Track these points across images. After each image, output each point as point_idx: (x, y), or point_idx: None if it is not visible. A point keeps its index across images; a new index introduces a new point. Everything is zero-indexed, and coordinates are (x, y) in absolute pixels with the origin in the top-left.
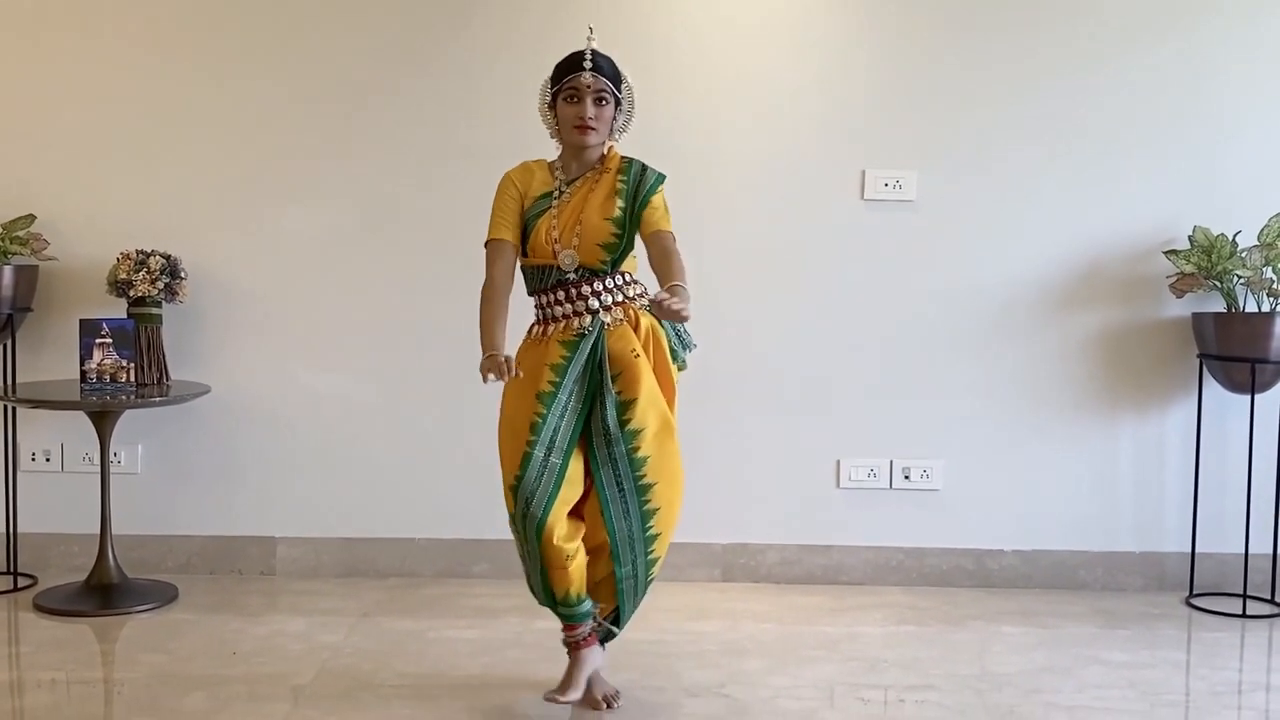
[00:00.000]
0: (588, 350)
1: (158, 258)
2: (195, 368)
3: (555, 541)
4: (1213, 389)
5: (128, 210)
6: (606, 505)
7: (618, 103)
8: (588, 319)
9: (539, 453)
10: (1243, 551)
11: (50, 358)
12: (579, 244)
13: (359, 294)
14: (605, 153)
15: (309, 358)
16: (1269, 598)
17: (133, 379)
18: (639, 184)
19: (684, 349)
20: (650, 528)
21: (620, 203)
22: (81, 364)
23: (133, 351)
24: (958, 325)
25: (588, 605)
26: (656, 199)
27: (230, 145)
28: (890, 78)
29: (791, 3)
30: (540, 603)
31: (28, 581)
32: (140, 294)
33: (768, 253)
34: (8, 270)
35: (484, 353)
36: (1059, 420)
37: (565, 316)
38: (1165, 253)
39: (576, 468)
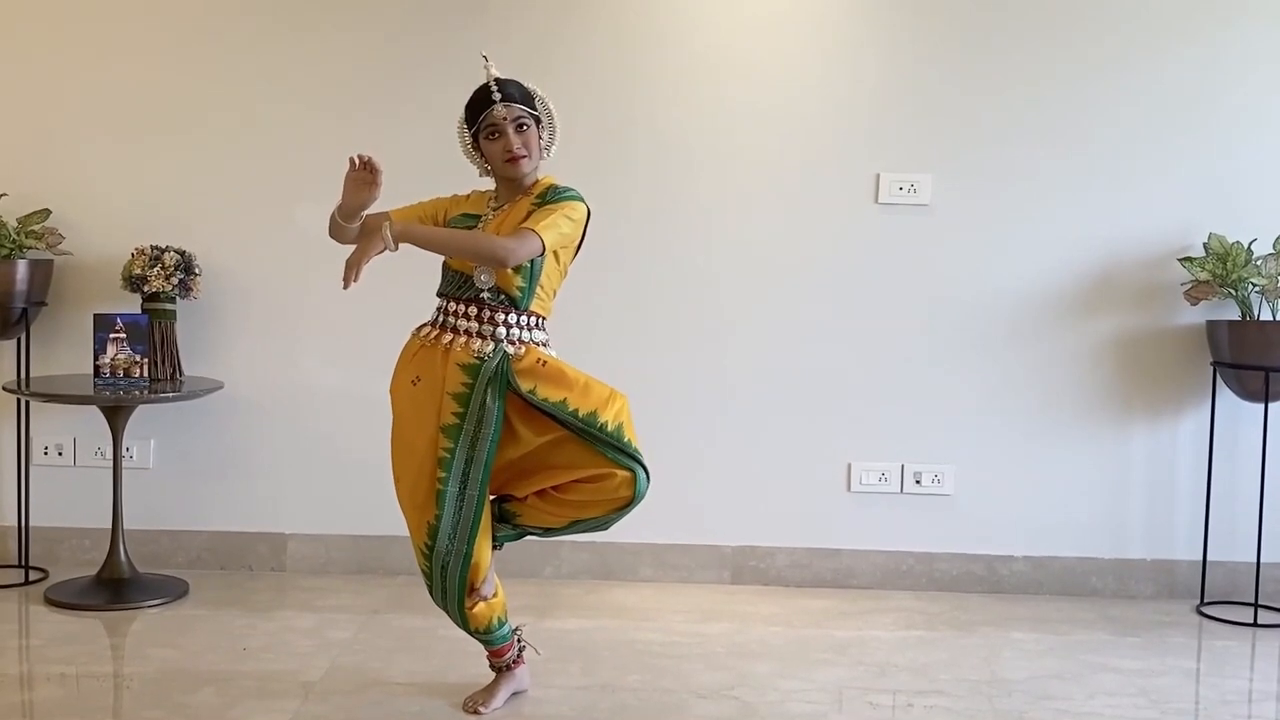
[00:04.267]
0: (491, 374)
1: (172, 253)
2: (208, 363)
3: (480, 578)
4: (1226, 397)
5: (143, 205)
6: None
7: (538, 121)
8: (490, 345)
9: (453, 489)
10: (1254, 560)
11: (64, 352)
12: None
13: (372, 291)
14: (537, 179)
15: (321, 354)
16: None
17: (146, 374)
18: (546, 200)
19: None
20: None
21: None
22: (95, 359)
23: (146, 347)
24: (970, 330)
25: (507, 628)
26: (551, 206)
27: (245, 142)
28: (905, 81)
29: (806, 4)
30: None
31: (39, 575)
32: (154, 289)
33: (781, 255)
34: (22, 264)
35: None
36: (1071, 426)
37: (468, 334)
38: (1180, 260)
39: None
